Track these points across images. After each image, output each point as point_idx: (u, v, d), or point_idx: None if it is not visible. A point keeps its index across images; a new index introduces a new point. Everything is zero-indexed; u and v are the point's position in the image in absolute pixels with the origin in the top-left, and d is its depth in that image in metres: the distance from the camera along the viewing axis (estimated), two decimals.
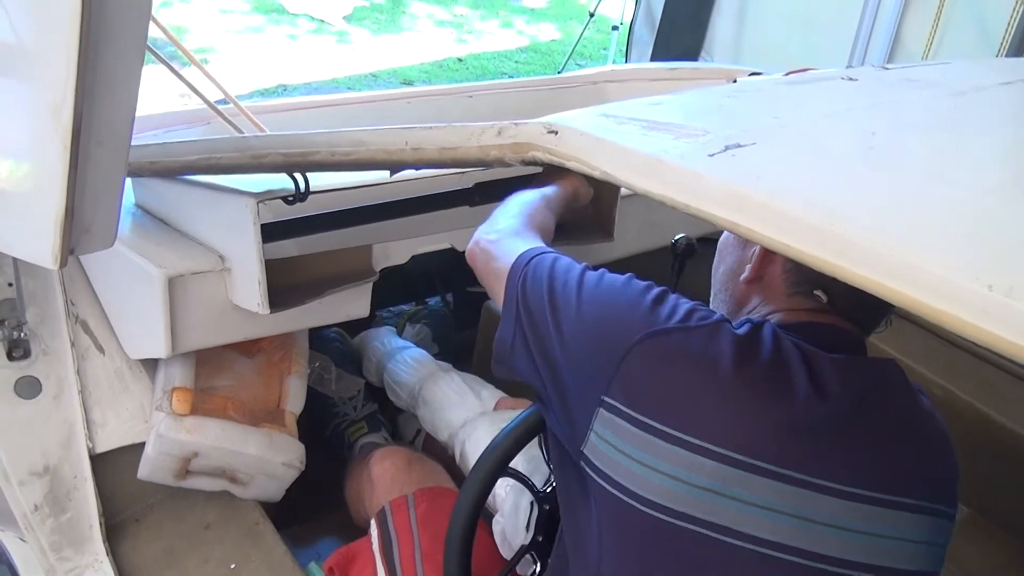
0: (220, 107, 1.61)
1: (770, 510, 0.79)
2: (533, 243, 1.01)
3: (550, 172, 1.23)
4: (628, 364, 0.82)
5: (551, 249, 0.99)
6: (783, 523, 0.79)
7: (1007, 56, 3.04)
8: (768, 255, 0.95)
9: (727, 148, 0.69)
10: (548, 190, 1.20)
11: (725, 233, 1.07)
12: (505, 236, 1.04)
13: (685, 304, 0.87)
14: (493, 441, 1.06)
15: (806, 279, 0.92)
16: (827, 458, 0.81)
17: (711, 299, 1.08)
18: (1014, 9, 3.08)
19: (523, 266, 0.95)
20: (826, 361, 0.84)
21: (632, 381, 0.82)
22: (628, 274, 0.92)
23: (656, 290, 0.88)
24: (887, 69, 1.12)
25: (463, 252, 1.50)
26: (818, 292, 0.91)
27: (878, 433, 0.84)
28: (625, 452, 0.82)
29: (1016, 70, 1.17)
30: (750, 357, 0.82)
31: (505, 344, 0.95)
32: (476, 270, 1.06)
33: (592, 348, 0.86)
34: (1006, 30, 3.12)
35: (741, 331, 0.85)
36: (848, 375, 0.84)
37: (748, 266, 0.97)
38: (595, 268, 0.94)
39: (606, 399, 0.83)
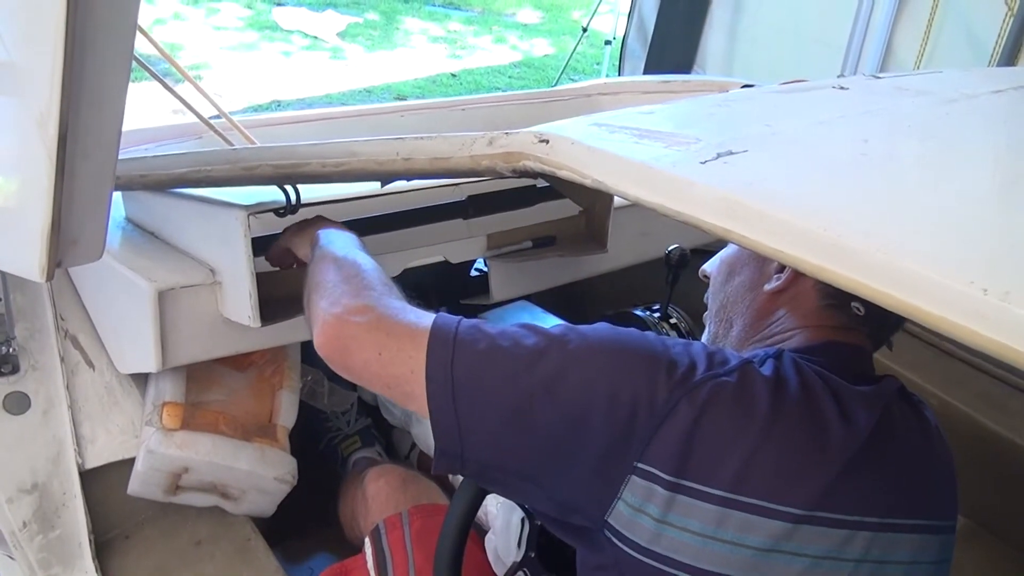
0: (212, 122, 1.60)
1: (812, 557, 0.77)
2: (425, 311, 0.85)
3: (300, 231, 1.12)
4: (668, 427, 0.75)
5: (461, 316, 0.84)
6: (824, 568, 0.77)
7: (998, 66, 3.06)
8: None
9: (719, 155, 0.69)
10: (347, 242, 1.05)
11: (732, 246, 1.05)
12: (379, 305, 0.85)
13: (696, 347, 0.81)
14: None
15: (841, 291, 0.89)
16: (857, 493, 0.79)
17: (716, 311, 1.06)
18: (1004, 20, 3.10)
19: (449, 337, 0.80)
20: (853, 395, 0.82)
21: (670, 444, 0.75)
22: (601, 323, 0.83)
23: (651, 335, 0.82)
24: (878, 78, 1.12)
25: (456, 264, 1.50)
26: (856, 304, 0.89)
27: (894, 458, 0.83)
28: (667, 522, 0.76)
29: (1007, 79, 1.17)
30: (782, 401, 0.78)
31: (452, 437, 0.79)
32: (350, 360, 0.84)
33: (609, 414, 0.76)
34: (996, 41, 3.13)
35: (767, 371, 0.81)
36: (870, 404, 0.82)
37: (776, 276, 0.95)
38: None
39: (640, 466, 0.76)
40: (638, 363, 0.79)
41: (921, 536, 0.83)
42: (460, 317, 0.84)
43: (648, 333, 0.83)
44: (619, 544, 0.79)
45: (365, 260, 0.98)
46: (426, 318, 0.84)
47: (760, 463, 0.76)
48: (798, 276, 0.94)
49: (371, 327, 0.83)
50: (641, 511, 0.77)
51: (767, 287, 0.96)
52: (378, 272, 0.95)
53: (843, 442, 0.78)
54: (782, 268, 0.96)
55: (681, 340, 0.83)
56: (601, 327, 0.83)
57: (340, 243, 1.04)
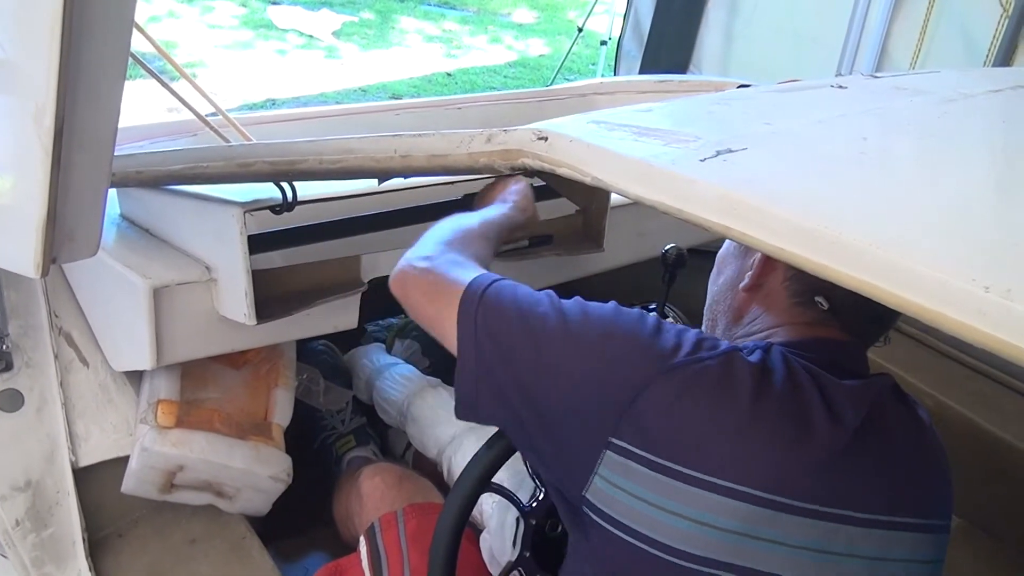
0: (208, 119, 1.60)
1: (793, 547, 0.77)
2: (478, 270, 0.93)
3: (497, 186, 1.17)
4: (642, 404, 0.77)
5: (502, 276, 0.91)
6: (806, 559, 0.77)
7: (993, 67, 3.07)
8: (769, 263, 0.93)
9: (718, 153, 0.69)
10: (490, 214, 1.12)
11: (725, 244, 1.05)
12: (442, 262, 0.95)
13: (689, 333, 0.83)
14: (475, 456, 1.04)
15: (808, 287, 0.90)
16: (843, 487, 0.79)
17: (706, 310, 1.07)
18: (999, 21, 3.11)
19: (478, 295, 0.87)
20: (841, 389, 0.82)
21: (646, 422, 0.77)
22: (612, 302, 0.87)
23: (651, 318, 0.84)
24: (877, 77, 1.12)
25: None
26: (819, 299, 0.89)
27: (885, 455, 0.83)
28: (640, 496, 0.77)
29: (1004, 79, 1.17)
30: (766, 389, 0.79)
31: (469, 385, 0.87)
32: (408, 300, 0.95)
33: (593, 387, 0.80)
34: (991, 43, 3.15)
35: (754, 359, 0.82)
36: (858, 400, 0.82)
37: (748, 274, 0.96)
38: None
39: (614, 441, 0.78)
40: (626, 344, 0.81)
41: (914, 535, 0.83)
42: (497, 277, 0.91)
43: (650, 315, 0.85)
44: (598, 520, 0.80)
45: (468, 222, 1.08)
46: (470, 275, 0.91)
47: (738, 448, 0.76)
48: (766, 273, 0.94)
49: (424, 274, 0.94)
50: (616, 486, 0.78)
51: (740, 285, 0.97)
52: (465, 233, 1.05)
53: (827, 435, 0.78)
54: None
55: (679, 326, 0.84)
56: (606, 307, 0.86)
57: (475, 214, 1.13)
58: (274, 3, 7.87)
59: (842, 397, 0.82)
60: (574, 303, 0.86)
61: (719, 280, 1.04)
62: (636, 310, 0.85)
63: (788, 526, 0.76)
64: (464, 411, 0.89)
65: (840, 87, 1.01)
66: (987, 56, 3.16)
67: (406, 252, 0.99)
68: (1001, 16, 3.11)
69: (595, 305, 0.86)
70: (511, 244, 1.52)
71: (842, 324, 0.91)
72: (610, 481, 0.79)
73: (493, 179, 1.32)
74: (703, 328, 1.07)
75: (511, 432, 0.90)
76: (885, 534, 0.81)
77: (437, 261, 0.95)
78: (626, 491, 0.78)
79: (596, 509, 0.81)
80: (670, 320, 1.66)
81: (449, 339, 0.89)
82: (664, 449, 0.77)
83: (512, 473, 1.22)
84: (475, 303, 0.86)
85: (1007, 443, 1.57)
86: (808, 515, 0.77)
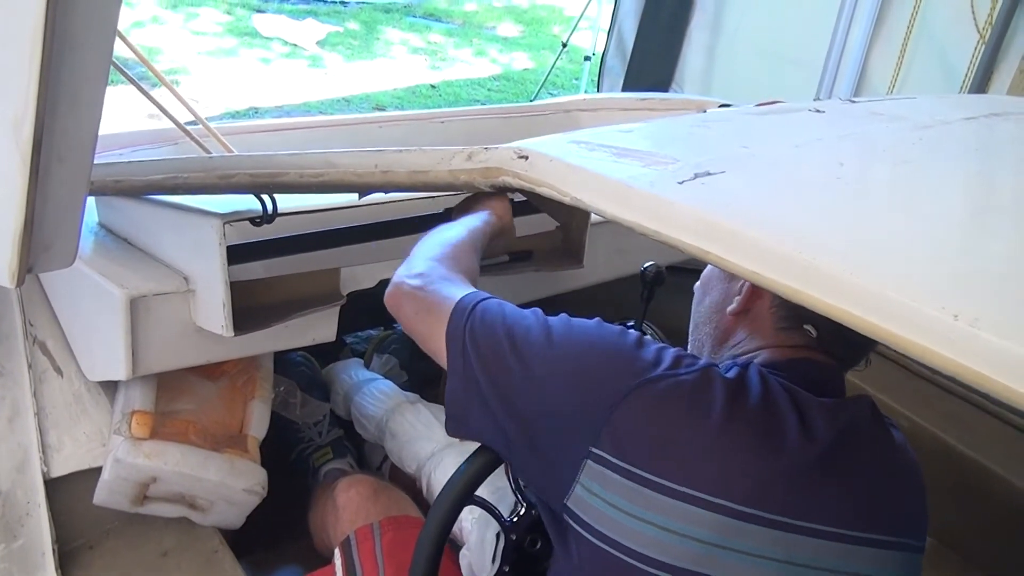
0: (189, 128, 1.59)
1: (760, 557, 0.78)
2: (467, 288, 0.95)
3: (477, 199, 1.18)
4: (619, 415, 0.79)
5: (490, 295, 0.94)
6: (771, 569, 0.78)
7: (970, 92, 3.11)
8: (757, 289, 0.94)
9: (696, 176, 0.70)
10: (473, 223, 1.13)
11: (710, 266, 1.06)
12: (433, 279, 0.97)
13: (669, 351, 0.85)
14: (457, 470, 1.04)
15: (795, 314, 0.91)
16: (812, 500, 0.80)
17: (691, 332, 1.08)
18: (976, 48, 3.16)
19: (467, 311, 0.90)
20: (814, 404, 0.84)
21: (623, 432, 0.79)
22: (596, 318, 0.89)
23: (633, 334, 0.86)
24: (854, 102, 1.13)
25: None
26: (808, 327, 0.91)
27: (856, 472, 0.84)
28: (616, 505, 0.79)
29: (979, 106, 1.19)
30: (741, 403, 0.81)
31: (458, 399, 0.89)
32: (402, 318, 0.99)
33: (575, 398, 0.82)
34: (968, 67, 3.19)
35: (730, 375, 0.84)
36: (833, 417, 0.84)
37: (736, 298, 0.97)
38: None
39: (594, 450, 0.80)
40: (607, 358, 0.84)
41: (882, 552, 0.84)
42: (485, 295, 0.93)
43: (631, 332, 0.87)
44: (577, 528, 0.82)
45: (456, 234, 1.08)
46: (459, 292, 0.93)
47: (710, 459, 0.78)
48: (755, 298, 0.96)
49: (416, 291, 0.96)
50: (595, 494, 0.80)
51: (728, 309, 0.98)
52: (453, 247, 1.05)
53: (799, 449, 0.80)
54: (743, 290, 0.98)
55: (661, 344, 0.86)
56: (590, 323, 0.88)
57: (458, 224, 1.13)
58: (259, 11, 7.85)
59: (816, 412, 0.83)
60: (559, 319, 0.88)
61: (704, 302, 1.05)
62: (618, 326, 0.87)
63: (756, 537, 0.78)
64: (454, 426, 0.91)
65: (818, 111, 1.02)
66: (964, 81, 3.21)
67: (399, 268, 1.01)
68: (978, 42, 3.16)
69: (579, 321, 0.88)
70: (491, 259, 1.52)
71: (826, 350, 0.92)
72: (589, 489, 0.81)
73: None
74: (689, 350, 1.08)
75: (499, 446, 0.91)
76: (851, 548, 0.81)
77: (428, 278, 0.97)
78: (603, 499, 0.80)
79: (576, 517, 0.82)
80: (647, 336, 1.67)
81: (440, 354, 0.91)
82: (639, 459, 0.79)
83: (493, 489, 1.22)
84: (464, 320, 0.89)
85: (979, 463, 1.59)
86: (776, 527, 0.78)
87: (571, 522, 0.83)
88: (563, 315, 0.89)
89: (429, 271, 0.98)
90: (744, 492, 0.77)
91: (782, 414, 0.82)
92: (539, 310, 0.90)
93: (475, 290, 0.94)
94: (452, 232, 1.09)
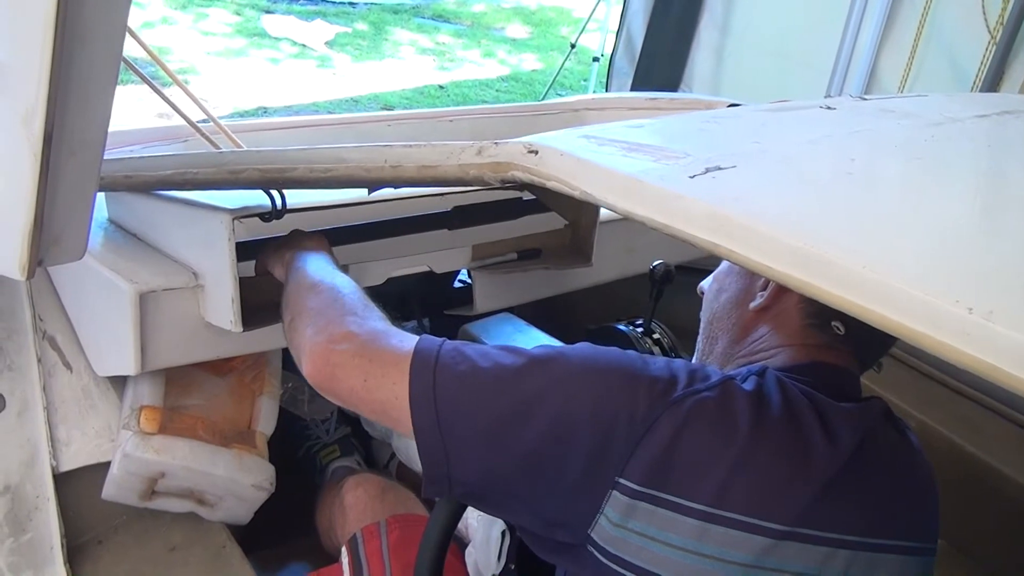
0: (199, 126, 1.60)
1: (793, 574, 0.77)
2: (407, 334, 0.86)
3: (292, 244, 1.14)
4: (646, 442, 0.76)
5: (445, 338, 0.84)
6: None
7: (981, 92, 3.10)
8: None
9: (707, 170, 0.69)
10: (327, 261, 1.07)
11: (724, 262, 1.06)
12: (365, 335, 0.86)
13: (677, 364, 0.82)
14: None
15: (823, 310, 0.89)
16: (840, 510, 0.79)
17: (702, 328, 1.06)
18: (987, 48, 3.14)
19: (431, 361, 0.81)
20: (835, 410, 0.82)
21: (651, 459, 0.76)
22: (583, 343, 0.85)
23: (632, 354, 0.83)
24: (865, 99, 1.13)
25: (441, 275, 1.50)
26: (836, 323, 0.89)
27: (877, 478, 0.83)
28: (649, 536, 0.76)
29: (991, 104, 1.19)
30: (765, 417, 0.79)
31: (437, 459, 0.80)
32: (340, 389, 0.86)
33: (592, 430, 0.77)
34: (979, 68, 3.18)
35: (748, 386, 0.81)
36: (854, 423, 0.82)
37: (760, 294, 0.96)
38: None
39: (621, 481, 0.77)
40: (619, 380, 0.80)
41: (902, 557, 0.83)
42: (443, 340, 0.84)
43: (629, 351, 0.84)
44: (602, 559, 0.79)
45: (343, 282, 1.00)
46: (408, 342, 0.85)
47: (741, 478, 0.76)
48: (781, 294, 0.94)
49: (355, 354, 0.85)
50: (622, 526, 0.77)
51: (752, 304, 0.97)
52: (357, 294, 0.97)
53: (826, 459, 0.79)
54: (767, 285, 0.97)
55: (663, 358, 0.84)
56: (582, 347, 0.84)
57: (315, 265, 1.06)
58: (268, 12, 7.87)
59: (839, 419, 0.82)
60: (551, 349, 0.83)
61: (721, 297, 1.04)
62: (614, 348, 0.84)
63: (791, 553, 0.76)
64: (435, 488, 0.82)
65: (829, 108, 1.02)
66: (975, 81, 3.19)
67: (301, 340, 0.90)
68: (988, 43, 3.14)
69: (574, 348, 0.84)
70: (498, 257, 1.52)
71: (852, 349, 0.91)
72: (616, 522, 0.77)
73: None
74: (698, 345, 1.07)
75: (491, 494, 0.84)
76: (877, 557, 0.81)
77: (358, 337, 0.86)
78: (633, 531, 0.77)
79: (602, 549, 0.79)
80: (656, 336, 1.66)
81: (403, 421, 0.81)
82: (670, 485, 0.76)
83: None
84: (428, 373, 0.80)
85: (989, 465, 1.58)
86: (809, 541, 0.77)
87: (595, 552, 0.79)
88: (545, 344, 0.85)
89: (353, 327, 0.87)
90: (778, 510, 0.76)
91: (806, 423, 0.80)
92: (510, 345, 0.84)
93: (423, 334, 0.86)
94: (325, 275, 1.00)
